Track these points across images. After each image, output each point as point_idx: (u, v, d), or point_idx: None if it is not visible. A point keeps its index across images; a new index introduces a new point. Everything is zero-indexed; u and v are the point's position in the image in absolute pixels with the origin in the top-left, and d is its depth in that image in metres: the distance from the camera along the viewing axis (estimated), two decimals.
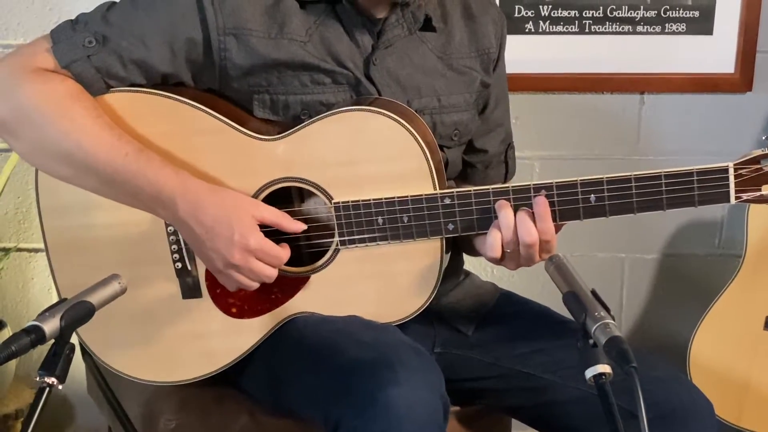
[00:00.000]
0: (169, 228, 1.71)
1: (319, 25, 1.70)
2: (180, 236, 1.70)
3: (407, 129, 1.63)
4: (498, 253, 1.63)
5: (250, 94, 1.70)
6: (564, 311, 1.88)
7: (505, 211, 1.62)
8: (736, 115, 2.77)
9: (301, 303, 1.71)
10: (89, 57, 1.63)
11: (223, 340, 1.74)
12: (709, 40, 2.72)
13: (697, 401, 1.70)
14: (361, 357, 1.54)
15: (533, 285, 2.71)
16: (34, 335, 1.23)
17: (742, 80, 2.74)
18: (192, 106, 1.67)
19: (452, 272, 1.87)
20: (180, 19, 1.64)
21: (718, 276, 2.76)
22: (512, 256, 1.64)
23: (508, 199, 1.64)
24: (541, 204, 1.62)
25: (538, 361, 1.80)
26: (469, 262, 2.01)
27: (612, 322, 1.25)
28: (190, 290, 1.73)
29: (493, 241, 1.63)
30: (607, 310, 1.28)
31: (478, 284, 1.98)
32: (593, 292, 1.32)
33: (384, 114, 1.63)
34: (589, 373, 1.25)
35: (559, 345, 1.81)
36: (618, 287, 2.89)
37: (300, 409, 1.68)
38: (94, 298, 1.32)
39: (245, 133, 1.67)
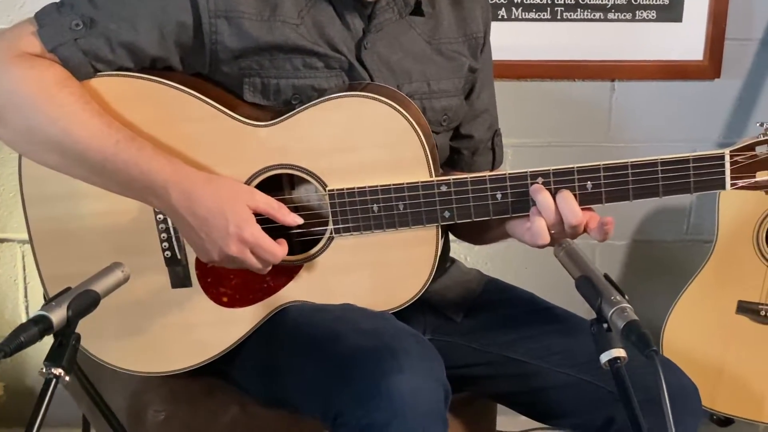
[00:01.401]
0: (159, 216, 1.67)
1: (311, 7, 1.67)
2: (169, 224, 1.67)
3: (403, 115, 1.61)
4: (547, 239, 1.61)
5: (240, 77, 1.67)
6: (553, 298, 1.91)
7: (542, 195, 1.60)
8: (704, 102, 2.80)
9: (293, 292, 1.69)
10: (76, 40, 1.59)
11: (213, 329, 1.71)
12: (678, 28, 2.74)
13: (684, 385, 1.71)
14: (363, 345, 1.52)
15: (507, 272, 2.72)
16: (41, 325, 1.19)
17: (710, 67, 2.76)
18: (181, 90, 1.64)
19: (440, 259, 1.85)
20: (170, 1, 1.61)
21: (686, 261, 2.79)
22: (558, 237, 1.62)
23: (504, 186, 1.63)
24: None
25: (526, 348, 1.81)
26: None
27: (629, 306, 1.25)
28: (180, 280, 1.70)
29: (540, 228, 1.61)
30: (622, 294, 1.27)
31: (464, 271, 1.98)
32: (606, 276, 1.31)
33: (380, 100, 1.61)
34: (605, 357, 1.25)
35: (547, 331, 1.82)
36: None
37: (296, 400, 1.65)
38: (99, 287, 1.29)
39: (236, 119, 1.64)
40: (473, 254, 2.81)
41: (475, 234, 1.90)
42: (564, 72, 2.75)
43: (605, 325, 1.26)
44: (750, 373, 2.54)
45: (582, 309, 2.30)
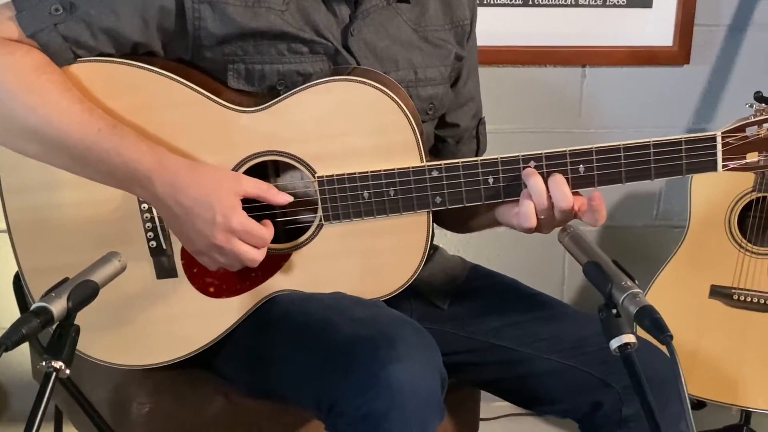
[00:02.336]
0: (143, 205, 1.63)
1: None
2: (154, 213, 1.63)
3: (393, 100, 1.58)
4: (533, 223, 1.59)
5: (224, 63, 1.63)
6: (536, 284, 1.90)
7: (534, 179, 1.58)
8: (674, 88, 2.82)
9: (282, 281, 1.66)
10: (56, 26, 1.54)
11: (199, 320, 1.68)
12: (648, 13, 2.76)
13: (668, 367, 1.71)
14: (359, 334, 1.50)
15: (479, 259, 2.71)
16: (42, 317, 1.15)
17: (680, 53, 2.78)
18: (164, 76, 1.60)
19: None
20: None
21: (657, 247, 2.81)
22: (546, 222, 1.61)
23: (496, 170, 1.61)
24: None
25: (512, 334, 1.80)
26: None
27: (640, 291, 1.24)
28: (165, 270, 1.66)
29: (527, 210, 1.59)
30: (632, 278, 1.26)
31: (447, 258, 1.96)
32: (614, 261, 1.30)
33: (369, 84, 1.58)
34: (615, 343, 1.24)
35: (532, 317, 1.81)
36: (560, 259, 2.92)
37: (286, 390, 1.63)
38: (97, 277, 1.25)
39: (221, 105, 1.60)
40: (446, 241, 2.79)
41: (461, 221, 1.88)
42: (535, 58, 2.76)
43: (614, 311, 1.24)
44: (723, 357, 2.56)
45: (556, 294, 2.30)
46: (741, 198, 2.53)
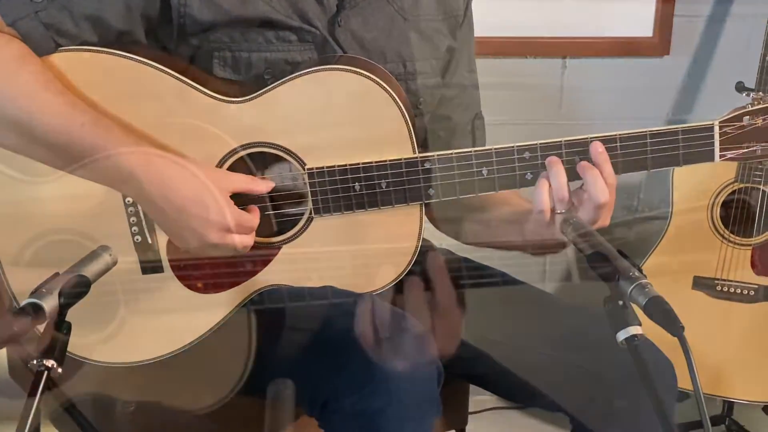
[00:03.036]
0: (127, 199, 1.59)
1: None
2: (139, 207, 1.59)
3: (385, 90, 1.55)
4: (546, 205, 1.53)
5: (210, 51, 1.60)
6: (527, 278, 1.88)
7: (556, 168, 1.53)
8: (654, 79, 2.81)
9: (271, 275, 1.62)
10: (37, 13, 1.50)
11: (187, 316, 1.63)
12: (628, 4, 2.75)
13: (659, 360, 1.71)
14: (353, 328, 1.47)
15: (462, 251, 2.69)
16: (34, 314, 1.11)
17: (660, 44, 2.78)
18: (148, 65, 1.55)
19: None
20: None
21: (637, 239, 2.80)
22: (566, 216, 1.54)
23: (490, 161, 1.58)
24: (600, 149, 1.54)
25: (503, 328, 1.77)
26: None
27: (648, 282, 1.21)
28: (151, 265, 1.62)
29: (540, 190, 1.53)
30: (639, 269, 1.24)
31: (436, 250, 1.93)
32: (620, 251, 1.28)
33: (360, 73, 1.55)
34: (622, 335, 1.21)
35: (523, 310, 1.79)
36: None
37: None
38: (88, 272, 1.21)
39: (207, 95, 1.56)
40: (426, 234, 2.77)
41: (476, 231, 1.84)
42: (515, 49, 2.74)
43: (620, 302, 1.22)
44: (707, 348, 2.56)
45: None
46: (723, 189, 2.53)
